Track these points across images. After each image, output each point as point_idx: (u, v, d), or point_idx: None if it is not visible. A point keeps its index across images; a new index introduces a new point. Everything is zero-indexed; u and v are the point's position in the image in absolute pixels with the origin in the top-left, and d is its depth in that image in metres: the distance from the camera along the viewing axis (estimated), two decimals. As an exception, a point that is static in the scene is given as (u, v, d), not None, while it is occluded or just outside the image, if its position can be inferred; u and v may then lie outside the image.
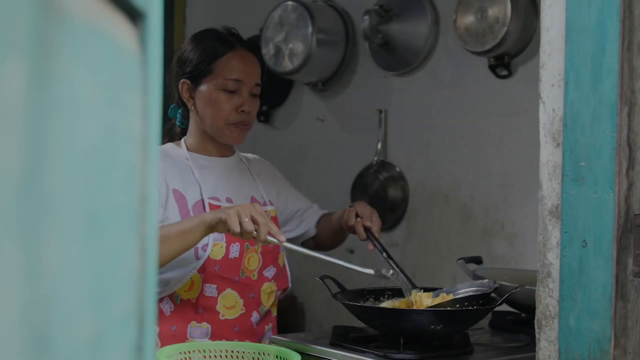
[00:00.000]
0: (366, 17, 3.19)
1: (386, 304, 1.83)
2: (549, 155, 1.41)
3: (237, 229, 1.68)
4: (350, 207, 2.11)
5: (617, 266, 1.29)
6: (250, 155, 2.24)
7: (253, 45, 2.16)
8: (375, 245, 2.00)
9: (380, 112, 3.36)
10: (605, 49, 1.30)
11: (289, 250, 1.91)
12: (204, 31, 2.12)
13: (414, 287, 1.87)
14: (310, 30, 3.36)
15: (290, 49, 3.42)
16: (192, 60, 2.03)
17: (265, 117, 3.90)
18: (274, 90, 3.81)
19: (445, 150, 3.16)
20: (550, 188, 1.40)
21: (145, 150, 0.62)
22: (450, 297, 1.77)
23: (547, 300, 1.40)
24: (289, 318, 3.73)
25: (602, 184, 1.30)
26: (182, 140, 2.08)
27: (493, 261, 2.94)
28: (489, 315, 2.07)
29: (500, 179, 2.98)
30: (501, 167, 2.97)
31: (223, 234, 1.92)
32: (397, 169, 3.33)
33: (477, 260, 2.18)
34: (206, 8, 4.25)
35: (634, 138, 1.29)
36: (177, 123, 2.18)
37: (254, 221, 1.69)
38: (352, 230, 2.07)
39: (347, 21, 3.49)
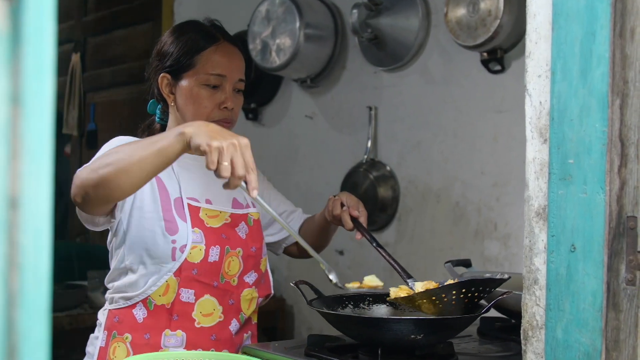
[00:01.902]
0: (355, 11, 3.09)
1: (392, 291, 1.69)
2: (536, 152, 1.30)
3: (213, 167, 1.48)
4: (335, 196, 2.01)
5: (609, 273, 1.18)
6: None
7: (237, 39, 2.06)
8: (363, 234, 1.93)
9: (370, 109, 3.27)
10: (595, 35, 1.19)
11: (261, 208, 1.70)
12: (185, 23, 2.03)
13: (409, 277, 1.79)
14: (297, 24, 3.26)
15: (277, 44, 3.32)
16: (173, 54, 1.93)
17: (253, 114, 3.81)
18: (262, 88, 3.72)
19: (436, 148, 3.07)
20: (537, 188, 1.30)
21: (17, 145, 0.51)
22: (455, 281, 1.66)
23: (534, 309, 1.30)
24: (278, 321, 3.64)
25: (592, 183, 1.20)
26: None
27: (486, 263, 2.85)
28: (477, 322, 1.97)
29: (493, 177, 2.88)
30: (494, 165, 2.88)
31: (203, 236, 1.83)
32: (388, 168, 3.24)
33: (466, 263, 2.07)
34: (195, 2, 4.17)
35: (627, 133, 1.17)
36: (157, 119, 2.09)
37: (232, 167, 1.48)
38: (338, 220, 1.98)
39: (336, 15, 3.40)
